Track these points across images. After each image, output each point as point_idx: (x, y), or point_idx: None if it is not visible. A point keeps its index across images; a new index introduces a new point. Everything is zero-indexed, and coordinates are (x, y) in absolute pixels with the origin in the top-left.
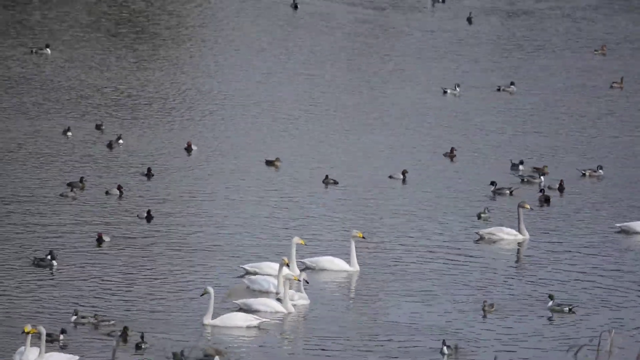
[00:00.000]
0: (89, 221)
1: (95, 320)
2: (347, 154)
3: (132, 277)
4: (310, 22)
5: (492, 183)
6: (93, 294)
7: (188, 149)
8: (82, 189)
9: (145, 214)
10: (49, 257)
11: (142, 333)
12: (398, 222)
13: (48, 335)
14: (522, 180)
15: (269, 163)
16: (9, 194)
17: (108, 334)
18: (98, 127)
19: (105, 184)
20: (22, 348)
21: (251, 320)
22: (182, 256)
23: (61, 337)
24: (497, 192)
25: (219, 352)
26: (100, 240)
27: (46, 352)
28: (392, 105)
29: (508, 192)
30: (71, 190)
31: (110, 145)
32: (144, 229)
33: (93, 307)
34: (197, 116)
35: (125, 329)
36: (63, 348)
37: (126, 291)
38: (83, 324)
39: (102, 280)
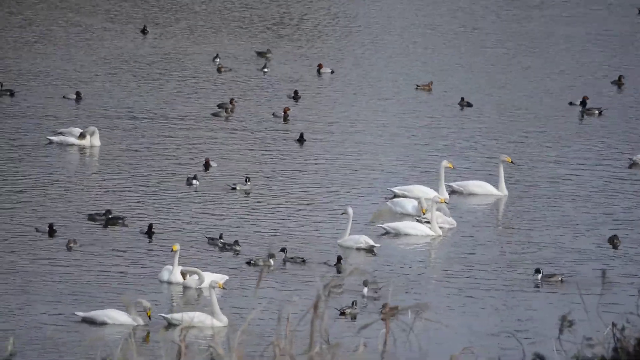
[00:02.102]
0: (239, 143)
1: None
2: (513, 77)
3: (277, 199)
4: None
5: (582, 103)
6: (235, 213)
7: (318, 71)
8: (232, 110)
9: (298, 136)
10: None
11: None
12: (550, 147)
13: (262, 260)
14: None
15: (421, 87)
16: (162, 113)
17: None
18: (260, 54)
19: (258, 107)
20: (170, 266)
21: (361, 243)
22: (330, 178)
23: (271, 261)
24: (587, 113)
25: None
26: (207, 166)
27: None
28: (563, 29)
29: (597, 112)
30: (225, 111)
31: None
32: (296, 149)
33: (237, 228)
34: (340, 41)
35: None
36: (270, 272)
37: (273, 211)
38: (217, 245)
39: (246, 201)
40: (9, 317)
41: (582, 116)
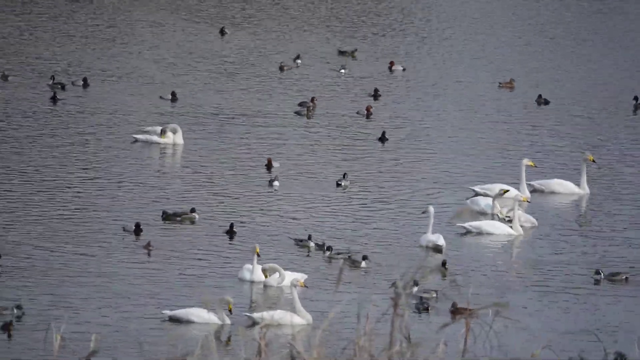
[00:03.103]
0: (319, 141)
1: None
2: (597, 74)
3: (359, 199)
4: None
5: (635, 98)
6: (315, 212)
7: (390, 69)
8: (314, 108)
9: (380, 135)
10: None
11: (365, 256)
12: (633, 145)
13: (353, 261)
14: None
15: (503, 85)
16: (244, 112)
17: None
18: (342, 52)
19: (337, 105)
20: (249, 265)
21: (428, 241)
22: (412, 178)
23: (363, 263)
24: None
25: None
26: (269, 166)
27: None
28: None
29: None
30: (307, 110)
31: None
32: (378, 148)
33: (318, 228)
34: (412, 39)
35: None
36: (365, 274)
37: (354, 210)
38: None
39: (323, 201)
40: (93, 316)
41: (635, 111)
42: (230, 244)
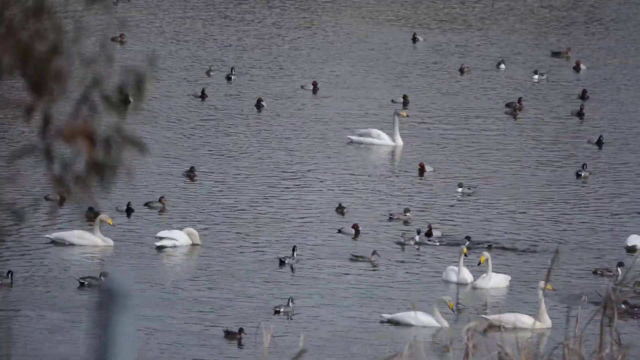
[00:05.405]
0: (528, 141)
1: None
2: None
3: (571, 202)
4: None
5: None
6: (515, 217)
7: (576, 68)
8: (520, 109)
9: (597, 140)
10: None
11: None
12: None
13: (606, 269)
14: None
15: None
16: (452, 113)
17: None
18: (556, 54)
19: (541, 107)
20: (454, 267)
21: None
22: (625, 178)
23: (618, 270)
24: None
25: None
26: (421, 170)
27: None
28: None
29: None
30: (514, 110)
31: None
32: (594, 151)
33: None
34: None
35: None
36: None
37: (565, 212)
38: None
39: (530, 205)
40: (304, 317)
41: None
42: (429, 246)
